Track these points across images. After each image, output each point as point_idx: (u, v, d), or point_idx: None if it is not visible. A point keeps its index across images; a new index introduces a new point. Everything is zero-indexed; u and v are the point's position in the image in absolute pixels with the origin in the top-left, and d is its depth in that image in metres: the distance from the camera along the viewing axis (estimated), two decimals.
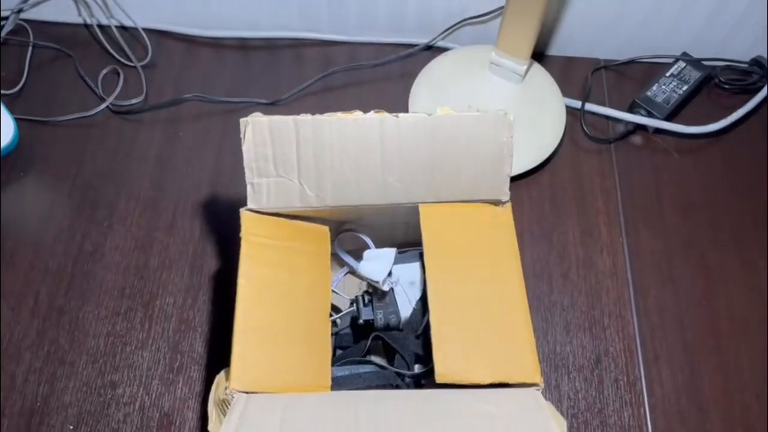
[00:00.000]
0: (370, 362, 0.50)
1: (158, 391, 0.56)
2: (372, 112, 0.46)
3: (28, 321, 0.58)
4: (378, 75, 0.74)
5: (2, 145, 0.65)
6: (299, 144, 0.46)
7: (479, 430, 0.37)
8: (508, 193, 0.49)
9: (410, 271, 0.51)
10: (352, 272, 0.57)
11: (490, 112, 0.47)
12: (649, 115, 0.70)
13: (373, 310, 0.50)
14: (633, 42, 0.74)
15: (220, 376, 0.43)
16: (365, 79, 0.74)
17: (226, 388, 0.40)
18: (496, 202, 0.49)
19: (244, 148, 0.45)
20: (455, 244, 0.47)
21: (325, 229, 0.51)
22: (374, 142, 0.46)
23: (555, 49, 0.76)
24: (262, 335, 0.43)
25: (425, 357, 0.49)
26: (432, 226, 0.48)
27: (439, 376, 0.42)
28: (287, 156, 0.46)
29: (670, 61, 0.74)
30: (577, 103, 0.71)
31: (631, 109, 0.71)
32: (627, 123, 0.70)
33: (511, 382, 0.42)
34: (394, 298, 0.50)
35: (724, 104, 0.72)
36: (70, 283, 0.60)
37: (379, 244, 0.53)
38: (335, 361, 0.50)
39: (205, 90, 0.71)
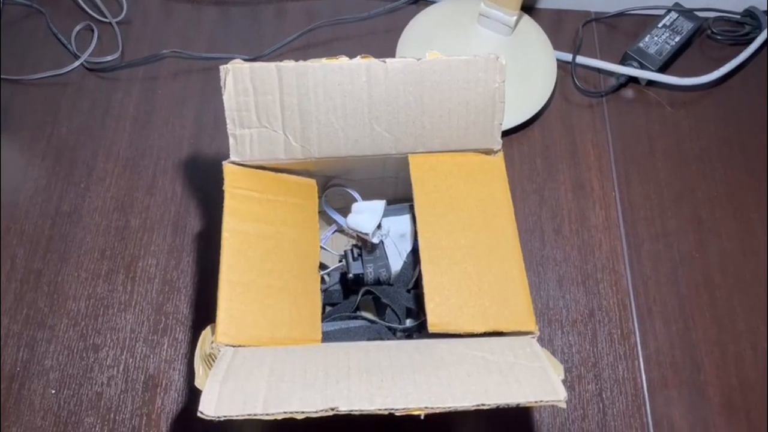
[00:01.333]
0: (361, 317, 0.49)
1: (142, 353, 0.54)
2: (358, 57, 0.44)
3: (5, 284, 0.56)
4: (363, 30, 0.72)
5: None
6: (283, 92, 0.44)
7: (473, 375, 0.36)
8: (500, 141, 0.47)
9: (401, 223, 0.49)
10: (341, 230, 0.55)
11: (481, 55, 0.45)
12: (642, 67, 0.68)
13: (362, 264, 0.48)
14: None
15: (206, 332, 0.41)
16: (350, 34, 0.72)
17: (212, 343, 0.39)
18: (488, 151, 0.48)
19: (225, 97, 0.43)
20: (446, 195, 0.46)
21: (312, 182, 0.49)
22: (361, 88, 0.44)
23: (545, 2, 0.74)
24: (249, 289, 0.41)
25: (417, 311, 0.48)
26: (422, 177, 0.46)
27: (432, 326, 0.41)
28: (270, 105, 0.44)
29: (662, 12, 0.72)
30: (568, 57, 0.70)
31: (623, 62, 0.70)
32: (619, 76, 0.69)
33: (505, 330, 0.41)
34: (385, 251, 0.49)
35: (716, 56, 0.71)
36: (48, 246, 0.58)
37: (368, 200, 0.51)
38: (325, 317, 0.49)
39: (183, 46, 0.69)
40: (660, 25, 0.70)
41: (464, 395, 0.35)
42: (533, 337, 0.41)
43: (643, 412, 0.54)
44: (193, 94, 0.67)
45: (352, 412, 0.34)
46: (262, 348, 0.39)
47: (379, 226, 0.48)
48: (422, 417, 0.35)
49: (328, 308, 0.51)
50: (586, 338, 0.57)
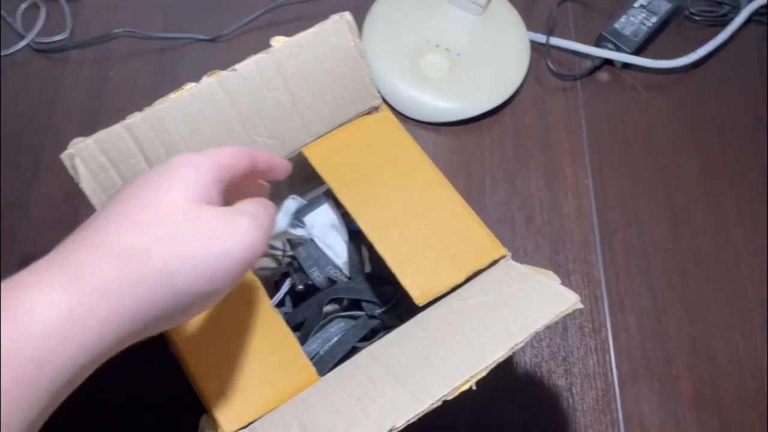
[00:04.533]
0: (334, 317, 0.47)
1: None
2: (204, 77, 0.41)
3: None
4: (330, 8, 0.67)
5: None
6: (144, 149, 0.40)
7: (487, 322, 0.36)
8: (378, 95, 0.46)
9: (323, 213, 0.47)
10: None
11: (324, 21, 0.43)
12: (617, 49, 0.66)
13: (305, 271, 0.46)
14: None
15: (203, 431, 0.38)
16: (316, 13, 0.67)
17: None
18: (371, 110, 0.47)
19: (84, 185, 0.39)
20: (358, 169, 0.45)
21: None
22: (224, 107, 0.41)
23: None
24: (222, 364, 0.38)
25: (387, 286, 0.46)
26: (326, 164, 0.45)
27: (418, 299, 0.40)
28: (137, 169, 0.40)
29: None
30: (542, 38, 0.67)
31: (598, 43, 0.67)
32: (594, 58, 0.67)
33: (482, 267, 0.41)
34: (321, 249, 0.46)
35: (694, 37, 0.69)
36: None
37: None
38: (302, 340, 0.46)
39: (137, 25, 0.65)
40: (636, 5, 0.68)
41: (495, 345, 0.34)
42: (507, 260, 0.42)
43: (614, 407, 0.52)
44: (147, 77, 0.63)
45: (409, 422, 0.32)
46: (275, 412, 0.37)
47: (302, 225, 0.46)
48: (474, 388, 0.34)
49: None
50: (557, 332, 0.55)
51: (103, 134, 0.39)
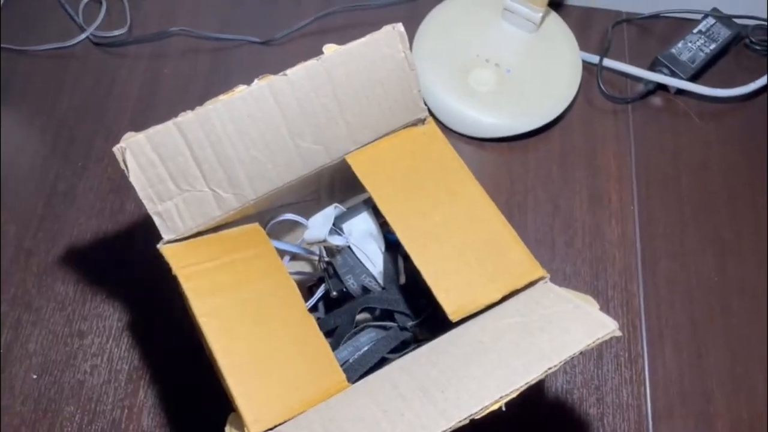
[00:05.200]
0: (366, 326, 0.47)
1: (129, 343, 0.52)
2: (256, 80, 0.41)
3: None
4: (381, 17, 0.68)
5: None
6: (192, 148, 0.40)
7: (521, 344, 0.36)
8: (425, 108, 0.46)
9: (362, 222, 0.47)
10: (294, 258, 0.52)
11: (377, 31, 0.43)
12: (672, 74, 0.65)
13: (340, 278, 0.46)
14: None
15: (230, 429, 0.38)
16: (367, 21, 0.69)
17: None
18: (417, 122, 0.46)
19: (132, 178, 0.39)
20: (400, 180, 0.44)
21: (256, 226, 0.45)
22: (272, 111, 0.41)
23: None
24: (253, 365, 0.38)
25: (421, 298, 0.46)
26: (368, 172, 0.44)
27: (453, 315, 0.39)
28: (184, 166, 0.40)
29: (699, 17, 0.68)
30: (595, 58, 0.66)
31: (652, 67, 0.66)
32: (647, 82, 0.65)
33: (519, 287, 0.41)
34: (357, 258, 0.46)
35: (752, 67, 0.67)
36: (40, 225, 0.57)
37: (310, 216, 0.48)
38: (333, 346, 0.46)
39: (193, 24, 0.66)
40: (695, 30, 0.67)
41: (527, 368, 0.34)
42: (545, 281, 0.41)
43: None
44: (200, 76, 0.64)
45: None
46: (302, 416, 0.37)
47: (340, 232, 0.46)
48: (503, 409, 0.33)
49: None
50: (591, 359, 0.54)
51: (154, 130, 0.39)
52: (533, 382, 0.34)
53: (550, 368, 0.34)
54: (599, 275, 0.57)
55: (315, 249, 0.50)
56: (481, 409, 0.33)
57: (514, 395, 0.33)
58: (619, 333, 0.35)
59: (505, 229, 0.43)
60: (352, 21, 0.68)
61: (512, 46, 0.64)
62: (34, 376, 0.51)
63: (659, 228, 0.59)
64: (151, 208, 0.40)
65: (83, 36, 0.65)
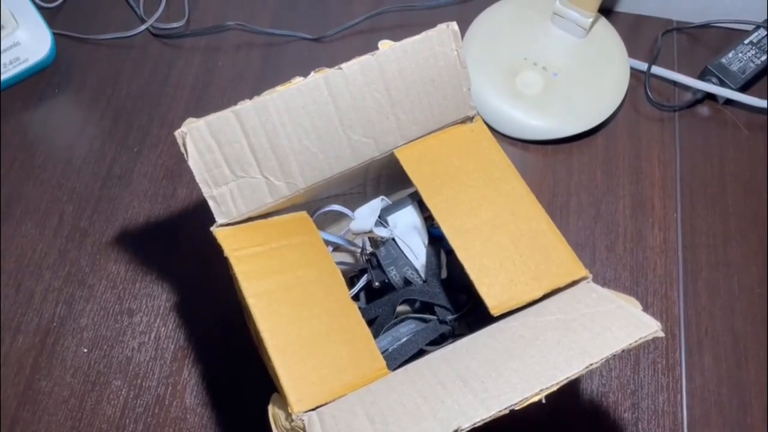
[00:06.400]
0: (406, 317, 0.48)
1: (176, 323, 0.54)
2: (312, 73, 0.42)
3: (51, 240, 0.57)
4: (431, 18, 0.70)
5: (38, 58, 0.63)
6: (248, 135, 0.41)
7: (563, 341, 0.36)
8: (473, 106, 0.46)
9: (407, 215, 0.48)
10: (337, 248, 0.54)
11: (431, 29, 0.44)
12: (722, 84, 0.64)
13: (383, 269, 0.47)
14: (711, 3, 0.68)
15: (273, 407, 0.40)
16: (417, 22, 0.70)
17: (288, 417, 0.37)
18: (465, 120, 0.47)
19: (191, 162, 0.41)
20: (447, 176, 0.45)
21: (304, 214, 0.47)
22: (326, 103, 0.42)
23: (625, 5, 0.70)
24: (299, 347, 0.40)
25: (462, 293, 0.47)
26: (416, 167, 0.45)
27: (494, 309, 0.40)
28: (240, 153, 0.42)
29: (750, 27, 0.67)
30: (643, 66, 0.66)
31: (701, 77, 0.65)
32: (696, 91, 0.65)
33: (561, 286, 0.41)
34: (400, 250, 0.47)
35: None
36: (96, 206, 0.59)
37: (355, 209, 0.50)
38: (373, 335, 0.47)
39: (248, 19, 0.68)
40: (746, 41, 0.66)
41: (568, 363, 0.34)
42: (588, 281, 0.41)
43: None
44: (253, 70, 0.66)
45: (475, 425, 0.32)
46: (343, 399, 0.38)
47: (385, 224, 0.47)
48: (543, 401, 0.34)
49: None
50: (628, 364, 0.54)
51: (213, 117, 0.41)
52: (574, 378, 0.34)
53: (591, 364, 0.34)
54: (639, 281, 0.57)
55: (357, 241, 0.52)
56: (522, 400, 0.33)
57: (554, 389, 0.34)
58: (661, 334, 0.35)
59: (549, 228, 0.43)
60: (402, 21, 0.69)
61: (560, 50, 0.64)
62: (85, 350, 0.53)
63: (702, 237, 0.59)
64: (206, 192, 0.42)
65: (143, 27, 0.67)
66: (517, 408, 0.33)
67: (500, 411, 0.33)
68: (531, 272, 0.42)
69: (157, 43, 0.68)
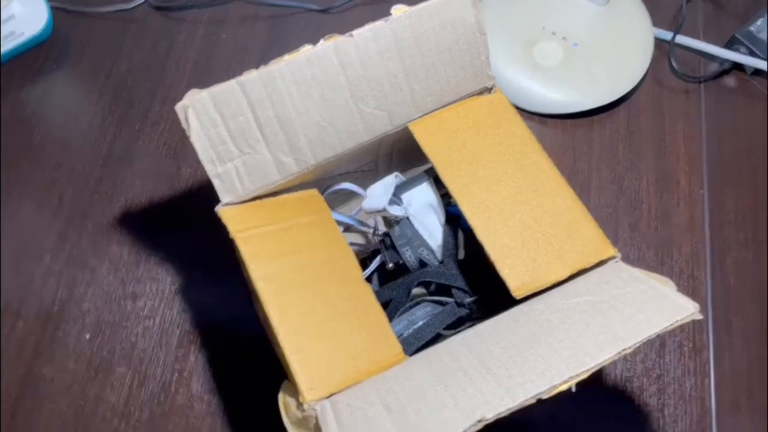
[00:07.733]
0: (422, 300, 0.45)
1: (181, 307, 0.52)
2: (321, 40, 0.39)
3: (51, 221, 0.55)
4: None
5: (34, 32, 0.61)
6: (254, 108, 0.39)
7: (592, 324, 0.34)
8: (492, 76, 0.44)
9: (422, 193, 0.46)
10: (348, 229, 0.51)
11: None
12: (751, 53, 0.61)
13: (396, 250, 0.44)
14: None
15: (283, 396, 0.38)
16: None
17: (299, 405, 0.35)
18: (483, 91, 0.44)
19: (193, 138, 0.38)
20: (464, 151, 0.42)
21: (314, 192, 0.44)
22: (336, 73, 0.40)
23: None
24: (309, 331, 0.37)
25: (481, 275, 0.44)
26: (431, 141, 0.43)
27: (516, 291, 0.38)
28: (245, 127, 0.39)
29: None
30: (668, 35, 0.63)
31: (728, 46, 0.62)
32: (723, 61, 0.62)
33: (588, 265, 0.39)
34: (415, 229, 0.45)
35: None
36: (97, 187, 0.57)
37: (366, 186, 0.47)
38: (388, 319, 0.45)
39: None
40: None
41: (599, 348, 0.32)
42: (617, 260, 0.39)
43: None
44: (258, 42, 0.64)
45: (499, 416, 0.30)
46: (357, 386, 0.36)
47: (399, 203, 0.45)
48: (573, 390, 0.32)
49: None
50: (653, 348, 0.51)
51: (217, 89, 0.38)
52: (606, 364, 0.32)
53: (624, 349, 0.32)
54: (664, 261, 0.54)
55: (369, 221, 0.49)
56: (550, 388, 0.31)
57: (584, 376, 0.32)
58: (699, 316, 0.33)
59: (575, 204, 0.41)
60: None
61: (581, 19, 0.61)
62: (87, 336, 0.51)
63: (730, 215, 0.56)
64: (210, 170, 0.39)
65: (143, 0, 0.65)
66: (544, 397, 0.31)
67: (527, 400, 0.31)
68: (556, 251, 0.39)
69: (158, 16, 0.65)
